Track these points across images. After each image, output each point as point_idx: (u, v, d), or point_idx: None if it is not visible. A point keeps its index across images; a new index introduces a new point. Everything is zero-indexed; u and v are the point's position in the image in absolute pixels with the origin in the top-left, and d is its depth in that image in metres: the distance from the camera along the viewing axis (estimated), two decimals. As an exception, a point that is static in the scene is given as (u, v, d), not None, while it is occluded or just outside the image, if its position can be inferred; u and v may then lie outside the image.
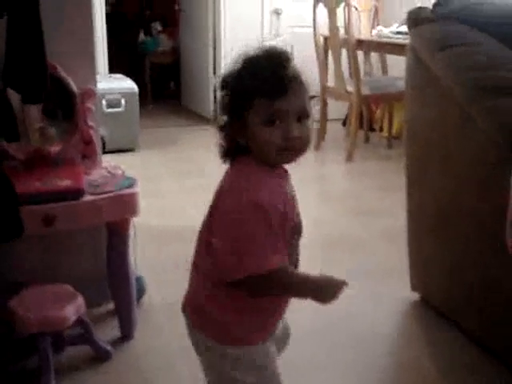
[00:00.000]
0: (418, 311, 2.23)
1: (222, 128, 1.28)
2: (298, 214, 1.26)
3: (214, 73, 5.46)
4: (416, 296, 2.29)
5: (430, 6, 2.07)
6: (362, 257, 2.64)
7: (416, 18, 2.06)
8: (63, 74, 1.94)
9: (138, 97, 4.45)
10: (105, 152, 2.43)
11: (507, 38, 1.86)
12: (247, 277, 1.15)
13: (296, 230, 1.25)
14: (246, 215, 1.15)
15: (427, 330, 2.12)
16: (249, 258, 1.15)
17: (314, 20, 4.45)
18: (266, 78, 1.17)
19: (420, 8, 2.10)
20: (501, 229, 1.48)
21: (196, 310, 1.32)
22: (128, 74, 4.85)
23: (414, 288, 2.28)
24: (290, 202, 1.23)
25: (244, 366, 1.27)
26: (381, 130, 5.01)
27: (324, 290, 1.22)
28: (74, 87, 1.96)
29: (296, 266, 1.30)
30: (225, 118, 1.25)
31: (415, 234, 2.20)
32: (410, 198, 2.19)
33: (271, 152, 1.18)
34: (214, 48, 5.40)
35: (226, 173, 1.31)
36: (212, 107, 5.55)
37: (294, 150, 1.18)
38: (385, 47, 4.22)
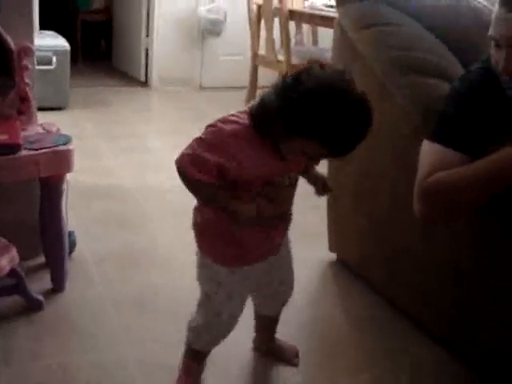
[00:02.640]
0: (334, 270, 2.40)
1: (275, 118, 1.30)
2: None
3: (147, 35, 5.43)
4: (333, 256, 2.45)
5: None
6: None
7: (344, -4, 2.17)
8: (0, 29, 1.97)
9: (69, 55, 4.41)
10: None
11: (427, 20, 2.01)
12: (180, 172, 1.40)
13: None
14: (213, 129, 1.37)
15: (342, 287, 2.29)
16: (185, 150, 1.39)
17: (249, -13, 4.52)
18: (341, 136, 1.28)
19: (349, -14, 2.21)
20: (410, 195, 1.64)
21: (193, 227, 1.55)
22: (58, 31, 4.78)
23: (331, 249, 2.44)
24: (267, 170, 1.39)
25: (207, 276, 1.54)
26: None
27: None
28: (12, 44, 1.98)
29: (286, 215, 1.52)
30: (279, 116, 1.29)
31: (332, 197, 2.34)
32: (331, 165, 2.33)
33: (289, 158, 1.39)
34: (148, 8, 5.36)
35: None
36: (143, 69, 5.54)
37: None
38: (316, 19, 4.33)
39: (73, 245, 2.31)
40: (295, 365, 1.81)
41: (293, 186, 1.49)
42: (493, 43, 1.49)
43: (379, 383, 1.79)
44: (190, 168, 1.36)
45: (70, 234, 2.27)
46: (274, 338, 1.84)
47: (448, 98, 1.62)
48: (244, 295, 1.61)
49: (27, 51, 2.01)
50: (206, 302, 1.56)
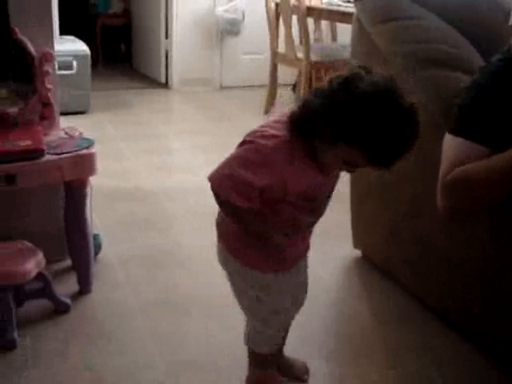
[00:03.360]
0: (359, 267, 2.39)
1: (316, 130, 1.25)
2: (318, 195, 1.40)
3: (166, 37, 5.45)
4: (358, 253, 2.44)
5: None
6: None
7: (361, -9, 2.16)
8: (21, 36, 1.99)
9: (89, 59, 4.45)
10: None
11: (445, 13, 1.99)
12: (216, 195, 1.31)
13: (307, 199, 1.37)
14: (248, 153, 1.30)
15: (367, 285, 2.28)
16: (221, 170, 1.30)
17: (266, -14, 4.52)
18: (385, 148, 1.22)
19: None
20: (434, 192, 1.62)
21: (222, 234, 1.50)
22: (78, 35, 4.82)
23: (355, 246, 2.44)
24: (309, 186, 1.33)
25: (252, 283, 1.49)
26: (329, 96, 5.13)
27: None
28: (32, 50, 2.01)
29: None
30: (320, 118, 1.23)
31: (357, 195, 2.34)
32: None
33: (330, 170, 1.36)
34: (166, 11, 5.38)
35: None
36: (164, 71, 5.57)
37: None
38: (334, 15, 4.31)
39: (98, 247, 2.33)
40: (305, 381, 1.75)
41: (330, 197, 1.46)
42: None
43: (408, 379, 1.78)
44: (230, 191, 1.28)
45: (95, 236, 2.29)
46: (282, 353, 1.75)
47: (469, 91, 1.60)
48: (292, 293, 1.57)
49: (48, 57, 2.03)
50: (258, 304, 1.51)
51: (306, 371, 1.77)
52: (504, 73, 1.54)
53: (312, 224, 1.49)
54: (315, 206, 1.42)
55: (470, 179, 1.50)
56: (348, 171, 1.38)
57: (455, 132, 1.57)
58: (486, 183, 1.48)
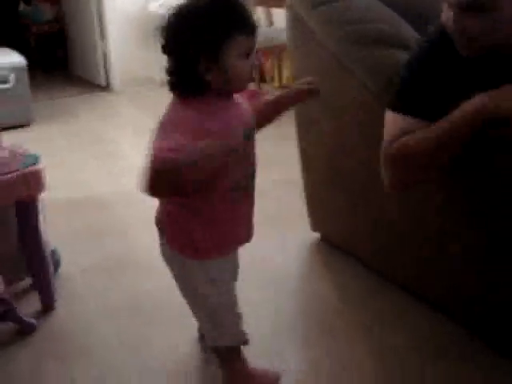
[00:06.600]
0: (318, 248, 2.42)
1: (182, 66, 1.36)
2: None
3: (102, 38, 5.38)
4: (316, 235, 2.47)
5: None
6: (264, 204, 2.78)
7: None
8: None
9: (27, 70, 4.35)
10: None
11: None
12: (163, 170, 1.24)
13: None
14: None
15: (327, 264, 2.31)
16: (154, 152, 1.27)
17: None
18: (243, 15, 1.31)
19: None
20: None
21: (161, 222, 1.54)
22: (12, 46, 4.71)
23: (314, 229, 2.47)
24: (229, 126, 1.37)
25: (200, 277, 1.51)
26: (272, 80, 5.14)
27: None
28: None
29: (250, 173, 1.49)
30: (184, 56, 1.34)
31: (309, 178, 2.36)
32: (302, 145, 2.34)
33: (243, 82, 1.38)
34: (99, 12, 5.30)
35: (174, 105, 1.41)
36: (103, 73, 5.50)
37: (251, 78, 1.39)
38: (268, 1, 4.32)
39: (57, 262, 2.30)
40: None
41: (251, 140, 1.47)
42: (445, 4, 1.49)
43: (377, 355, 1.81)
44: (169, 154, 1.24)
45: (54, 252, 2.26)
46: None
47: (405, 66, 1.63)
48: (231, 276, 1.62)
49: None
50: (203, 297, 1.55)
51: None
52: (438, 44, 1.56)
53: (246, 184, 1.49)
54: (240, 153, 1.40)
55: (409, 151, 1.54)
56: (253, 68, 1.38)
57: (394, 108, 1.60)
58: (425, 153, 1.51)
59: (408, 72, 1.60)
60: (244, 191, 1.50)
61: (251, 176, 1.51)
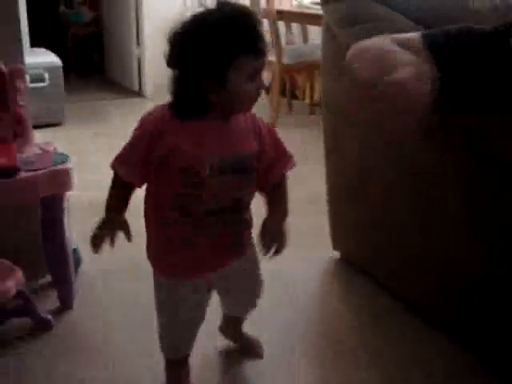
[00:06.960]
0: (338, 269, 2.41)
1: (185, 84, 1.37)
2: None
3: (138, 44, 5.44)
4: (336, 254, 2.46)
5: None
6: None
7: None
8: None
9: (62, 71, 4.42)
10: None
11: (413, 14, 2.01)
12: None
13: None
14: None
15: (346, 285, 2.30)
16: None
17: (235, -9, 4.52)
18: (251, 36, 1.28)
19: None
20: (408, 189, 1.64)
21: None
22: (49, 47, 4.79)
23: (335, 248, 2.45)
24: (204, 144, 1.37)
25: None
26: (304, 97, 5.15)
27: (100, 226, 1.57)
28: (3, 66, 1.99)
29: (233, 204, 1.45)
30: (188, 73, 1.35)
31: (334, 197, 2.36)
32: (328, 163, 2.34)
33: (247, 104, 1.36)
34: (137, 18, 5.37)
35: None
36: (137, 79, 5.55)
37: (256, 100, 1.37)
38: (304, 18, 4.34)
39: (78, 262, 2.32)
40: (261, 356, 1.82)
41: (229, 173, 1.41)
42: None
43: (390, 377, 1.80)
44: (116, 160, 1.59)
45: (75, 251, 2.28)
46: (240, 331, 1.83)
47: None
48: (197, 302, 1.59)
49: (18, 72, 2.02)
50: (161, 307, 1.60)
51: (260, 346, 1.84)
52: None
53: (212, 215, 1.44)
54: (203, 188, 1.40)
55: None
56: (259, 88, 1.35)
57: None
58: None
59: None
60: (220, 221, 1.46)
61: (230, 209, 1.45)
